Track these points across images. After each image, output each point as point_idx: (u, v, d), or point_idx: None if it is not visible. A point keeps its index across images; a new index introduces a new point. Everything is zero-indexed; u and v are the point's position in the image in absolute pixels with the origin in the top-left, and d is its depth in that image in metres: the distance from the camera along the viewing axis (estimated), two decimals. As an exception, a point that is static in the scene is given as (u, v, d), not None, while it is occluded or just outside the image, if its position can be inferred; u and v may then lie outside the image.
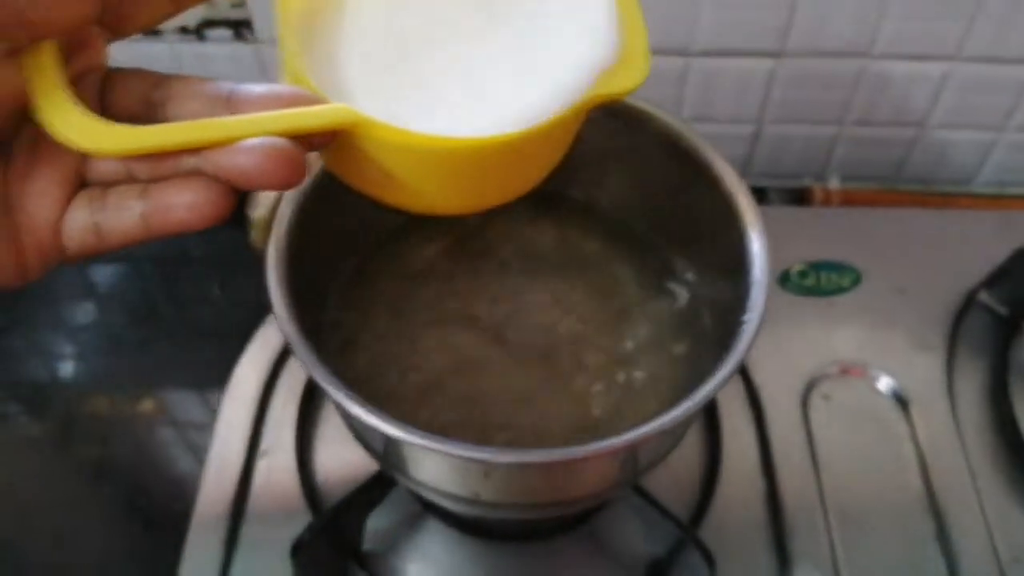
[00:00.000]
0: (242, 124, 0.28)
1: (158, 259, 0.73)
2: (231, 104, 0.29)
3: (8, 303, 0.69)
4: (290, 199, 0.43)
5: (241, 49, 0.66)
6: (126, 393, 0.64)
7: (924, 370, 0.60)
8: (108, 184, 0.30)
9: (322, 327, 0.47)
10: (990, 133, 0.72)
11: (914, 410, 0.58)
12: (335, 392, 0.36)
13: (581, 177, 0.51)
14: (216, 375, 0.61)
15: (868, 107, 0.70)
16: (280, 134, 0.28)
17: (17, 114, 0.28)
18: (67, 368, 0.67)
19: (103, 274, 0.72)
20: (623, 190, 0.51)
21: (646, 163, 0.48)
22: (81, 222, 0.29)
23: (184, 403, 0.63)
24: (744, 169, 0.75)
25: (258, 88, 0.29)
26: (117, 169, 0.29)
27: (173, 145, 0.28)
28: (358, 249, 0.51)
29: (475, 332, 0.47)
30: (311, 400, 0.58)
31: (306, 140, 0.29)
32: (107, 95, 0.30)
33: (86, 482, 0.60)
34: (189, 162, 0.29)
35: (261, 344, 0.61)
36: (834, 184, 0.74)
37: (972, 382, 0.59)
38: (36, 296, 0.70)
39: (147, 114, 0.30)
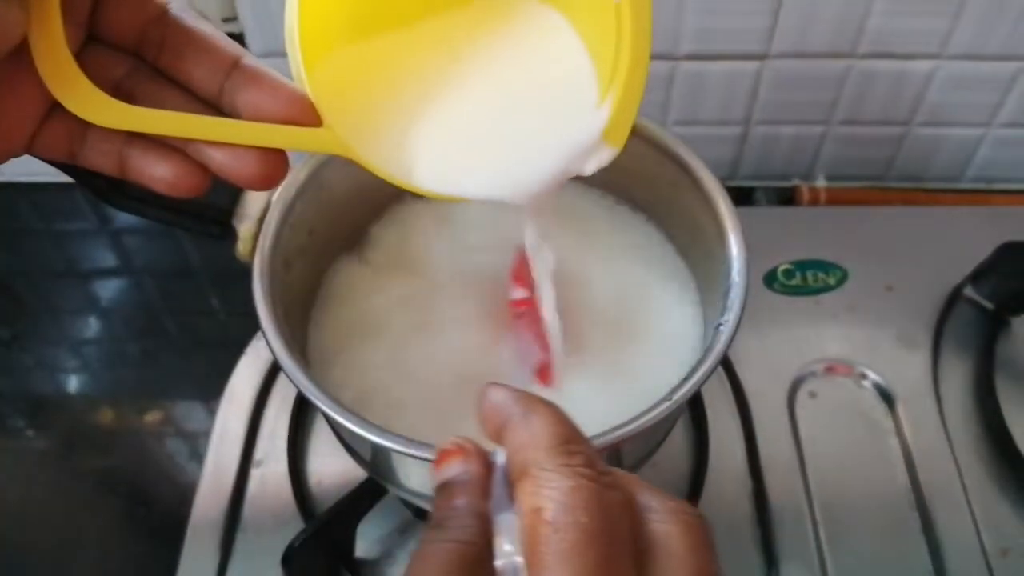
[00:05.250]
0: (237, 131, 0.29)
1: (158, 273, 0.74)
2: (232, 80, 0.29)
3: (12, 318, 0.70)
4: (276, 212, 0.43)
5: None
6: (128, 405, 0.65)
7: (910, 366, 0.60)
8: None
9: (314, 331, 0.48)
10: (976, 130, 0.72)
11: (900, 406, 0.58)
12: (319, 402, 0.37)
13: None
14: (217, 385, 0.61)
15: (854, 106, 0.71)
16: (272, 146, 0.29)
17: (10, 49, 0.27)
18: (70, 381, 0.68)
19: (105, 288, 0.73)
20: (622, 180, 0.52)
21: (638, 164, 0.49)
22: (57, 144, 0.29)
23: (186, 413, 0.64)
24: (732, 170, 0.76)
25: (260, 77, 0.29)
26: None
27: (166, 134, 0.29)
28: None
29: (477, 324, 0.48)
30: (303, 409, 0.59)
31: None
32: (102, 11, 0.29)
33: (88, 492, 0.61)
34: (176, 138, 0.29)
35: (254, 355, 0.62)
36: (821, 183, 0.75)
37: (958, 377, 0.60)
38: (39, 311, 0.71)
39: (140, 50, 0.30)
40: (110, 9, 0.29)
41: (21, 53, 0.27)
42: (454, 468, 0.28)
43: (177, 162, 0.29)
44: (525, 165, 0.35)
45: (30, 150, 0.30)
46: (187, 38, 0.29)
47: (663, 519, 0.25)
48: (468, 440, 0.29)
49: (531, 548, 0.23)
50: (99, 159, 0.30)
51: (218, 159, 0.29)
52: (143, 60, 0.30)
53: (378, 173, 0.33)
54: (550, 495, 0.23)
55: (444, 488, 0.27)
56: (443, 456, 0.28)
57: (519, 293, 0.44)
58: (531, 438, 0.25)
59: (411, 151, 0.34)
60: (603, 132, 0.35)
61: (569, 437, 0.25)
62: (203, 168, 0.29)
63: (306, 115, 0.30)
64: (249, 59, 0.30)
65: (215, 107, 0.30)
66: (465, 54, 0.36)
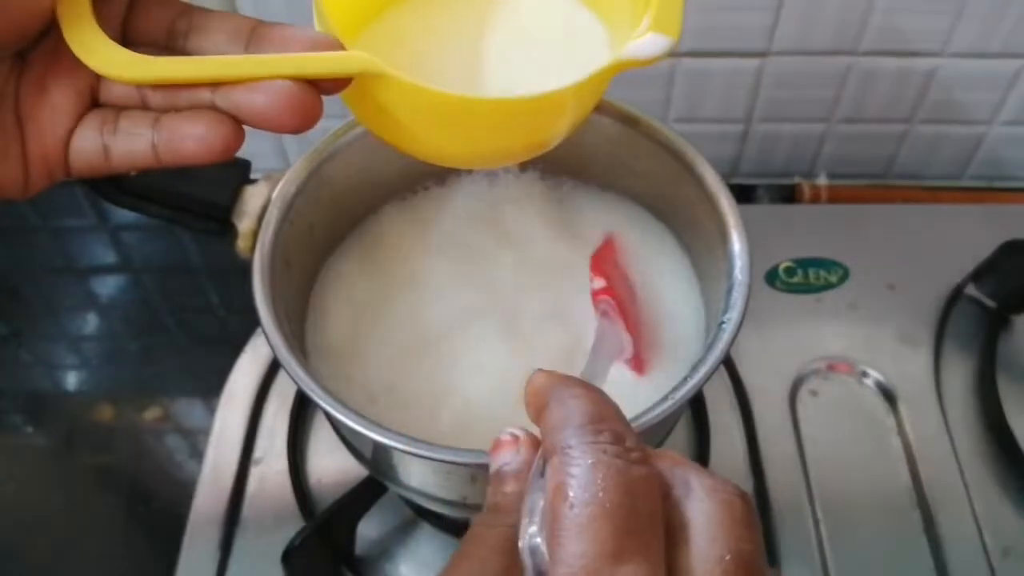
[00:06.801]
0: (260, 64, 0.29)
1: (158, 270, 0.74)
2: (254, 39, 0.30)
3: (11, 315, 0.70)
4: (276, 209, 0.43)
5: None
6: (128, 402, 0.65)
7: (912, 365, 0.60)
8: (120, 107, 0.30)
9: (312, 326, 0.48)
10: (978, 127, 0.72)
11: (902, 405, 0.58)
12: (321, 399, 0.37)
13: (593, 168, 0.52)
14: (217, 383, 0.61)
15: (855, 104, 0.70)
16: (299, 77, 0.29)
17: (40, 30, 0.28)
18: (69, 378, 0.68)
19: (104, 285, 0.73)
20: (630, 181, 0.52)
21: (642, 161, 0.49)
22: (90, 142, 0.30)
23: (185, 410, 0.64)
24: (733, 168, 0.76)
25: (281, 27, 0.30)
26: (130, 94, 0.30)
27: (192, 79, 0.29)
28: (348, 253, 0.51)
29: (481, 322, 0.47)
30: (303, 407, 0.59)
31: (322, 84, 0.30)
32: (132, 19, 0.30)
33: (88, 489, 0.61)
34: (204, 96, 0.29)
35: (254, 353, 0.62)
36: (822, 181, 0.75)
37: (959, 376, 0.60)
38: (38, 307, 0.71)
39: (169, 43, 0.30)
40: (141, 14, 0.30)
41: (54, 55, 0.28)
42: (505, 456, 0.28)
43: (210, 119, 0.29)
44: (562, 60, 0.38)
45: (68, 169, 0.30)
46: (210, 19, 0.30)
47: (700, 496, 0.24)
48: (522, 429, 0.29)
49: (550, 526, 0.23)
50: (135, 147, 0.30)
51: (251, 102, 0.29)
52: (171, 50, 0.30)
53: (411, 85, 0.32)
54: (572, 472, 0.23)
55: (497, 475, 0.28)
56: (496, 446, 0.29)
57: (598, 283, 0.45)
58: (563, 418, 0.25)
59: (440, 72, 0.36)
60: (654, 22, 0.35)
61: (599, 416, 0.25)
62: (236, 123, 0.30)
63: (333, 49, 0.30)
64: (266, 23, 0.30)
65: None
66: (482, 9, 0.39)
